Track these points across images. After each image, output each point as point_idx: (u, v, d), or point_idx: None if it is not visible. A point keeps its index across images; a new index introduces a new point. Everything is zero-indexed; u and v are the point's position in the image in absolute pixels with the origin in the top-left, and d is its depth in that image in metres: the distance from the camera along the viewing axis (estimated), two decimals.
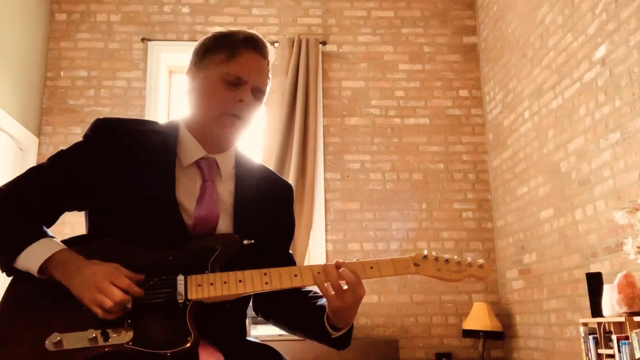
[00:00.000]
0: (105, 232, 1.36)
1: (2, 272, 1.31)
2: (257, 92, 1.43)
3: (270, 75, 1.50)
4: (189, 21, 4.85)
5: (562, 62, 3.56)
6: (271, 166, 4.38)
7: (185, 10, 4.88)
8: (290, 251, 1.60)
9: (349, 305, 1.33)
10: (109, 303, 1.20)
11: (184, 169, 1.42)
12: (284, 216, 1.57)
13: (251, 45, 1.42)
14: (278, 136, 4.49)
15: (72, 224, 3.01)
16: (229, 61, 1.39)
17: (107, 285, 1.22)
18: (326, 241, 4.52)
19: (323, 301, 1.42)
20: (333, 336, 1.41)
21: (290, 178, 4.38)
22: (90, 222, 1.41)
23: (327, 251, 4.49)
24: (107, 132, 1.41)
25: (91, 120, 1.46)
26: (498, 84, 4.55)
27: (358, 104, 4.80)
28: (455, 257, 1.43)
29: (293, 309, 1.50)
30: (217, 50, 1.41)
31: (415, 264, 1.41)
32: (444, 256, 1.42)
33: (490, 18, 4.72)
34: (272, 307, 1.53)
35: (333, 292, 1.31)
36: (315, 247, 4.49)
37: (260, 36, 1.47)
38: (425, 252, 1.42)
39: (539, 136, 3.85)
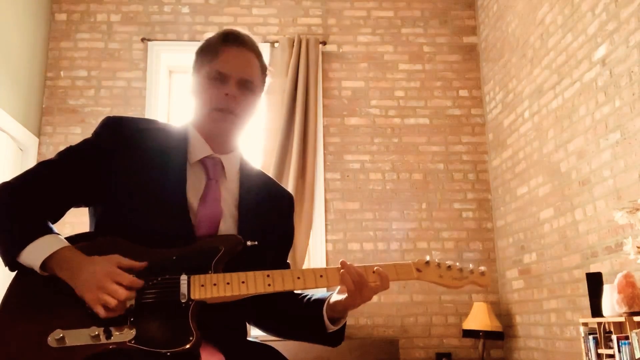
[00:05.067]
0: (110, 229, 1.36)
1: (6, 266, 1.31)
2: (244, 84, 1.44)
3: (263, 65, 1.52)
4: (189, 21, 4.85)
5: (562, 62, 3.56)
6: (271, 166, 4.38)
7: (185, 10, 4.88)
8: (288, 261, 1.60)
9: (365, 297, 1.37)
10: (112, 302, 1.21)
11: (191, 166, 1.44)
12: (284, 225, 1.58)
13: (230, 40, 1.45)
14: (278, 136, 4.49)
15: (72, 224, 2.98)
16: (212, 60, 1.44)
17: (109, 284, 1.22)
18: (326, 241, 4.52)
19: (316, 296, 1.48)
20: (330, 330, 1.44)
21: (290, 178, 4.38)
22: (96, 219, 1.42)
23: (327, 251, 4.49)
24: (116, 130, 1.42)
25: (91, 120, 1.47)
26: (498, 84, 4.55)
27: (358, 104, 4.80)
28: (457, 264, 1.46)
29: (286, 309, 1.51)
30: (205, 53, 1.47)
31: (418, 270, 1.43)
32: (446, 263, 1.45)
33: (490, 18, 4.73)
34: (264, 310, 1.52)
35: (353, 288, 1.35)
36: (315, 247, 4.49)
37: (242, 31, 1.50)
38: (428, 258, 1.44)
39: (539, 136, 3.85)
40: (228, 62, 1.43)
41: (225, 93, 1.41)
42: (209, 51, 1.46)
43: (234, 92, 1.42)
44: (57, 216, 1.40)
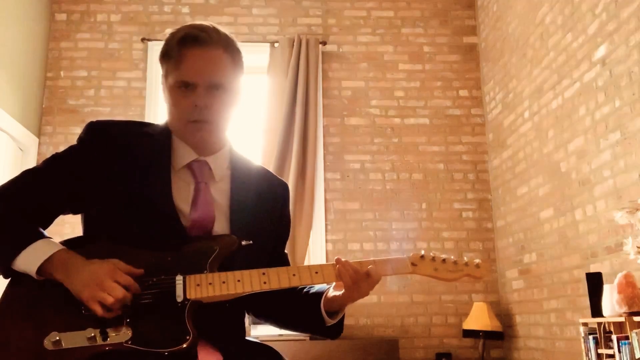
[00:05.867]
0: (101, 234, 1.36)
1: (0, 274, 1.31)
2: (214, 88, 1.36)
3: (235, 55, 1.40)
4: (189, 21, 4.79)
5: (562, 62, 3.56)
6: (271, 166, 4.38)
7: (185, 10, 4.88)
8: (285, 251, 1.60)
9: (363, 292, 1.38)
10: (109, 299, 1.21)
11: (177, 171, 1.42)
12: (280, 216, 1.57)
13: (189, 43, 1.35)
14: (278, 136, 4.49)
15: (72, 224, 3.03)
16: (175, 68, 1.36)
17: (108, 282, 1.22)
18: (326, 241, 4.52)
19: (314, 289, 1.48)
20: (328, 324, 1.44)
21: (290, 178, 4.38)
22: (87, 225, 1.41)
23: (327, 251, 4.49)
24: (100, 135, 1.40)
25: (91, 120, 1.46)
26: (498, 84, 4.55)
27: (358, 104, 4.80)
28: (452, 257, 1.46)
29: (285, 302, 1.51)
30: (166, 59, 1.39)
31: (413, 264, 1.43)
32: (441, 256, 1.45)
33: (490, 18, 4.72)
34: (263, 303, 1.52)
35: (351, 284, 1.36)
36: (315, 247, 4.49)
37: (207, 25, 1.39)
38: (423, 252, 1.45)
39: (539, 136, 3.85)
40: (192, 68, 1.34)
41: (194, 104, 1.35)
42: (170, 58, 1.37)
43: (204, 101, 1.35)
44: (45, 224, 1.39)
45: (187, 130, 1.40)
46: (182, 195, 1.40)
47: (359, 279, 1.36)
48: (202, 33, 1.36)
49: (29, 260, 1.26)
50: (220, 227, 1.41)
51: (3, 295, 1.29)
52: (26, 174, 1.39)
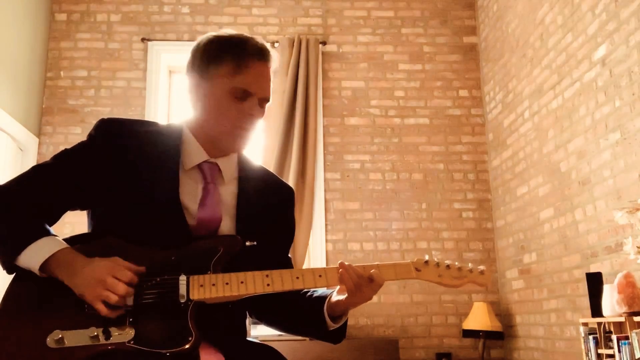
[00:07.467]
0: (107, 231, 1.36)
1: (4, 269, 1.32)
2: (264, 102, 1.43)
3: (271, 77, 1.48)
4: (189, 21, 4.85)
5: (562, 62, 3.56)
6: (271, 166, 4.38)
7: (185, 10, 4.88)
8: (289, 255, 1.60)
9: (366, 296, 1.38)
10: (113, 297, 1.21)
11: (187, 171, 1.43)
12: (285, 220, 1.58)
13: (256, 55, 1.40)
14: (278, 136, 4.49)
15: (72, 224, 3.01)
16: (237, 73, 1.38)
17: (110, 280, 1.22)
18: (326, 241, 4.52)
19: (318, 293, 1.48)
20: (331, 328, 1.44)
21: (290, 178, 4.38)
22: (93, 221, 1.41)
23: (327, 251, 4.49)
24: (111, 132, 1.41)
25: (91, 120, 1.47)
26: (498, 84, 4.55)
27: (358, 104, 4.80)
28: (457, 263, 1.45)
29: (287, 305, 1.51)
30: (222, 60, 1.39)
31: (417, 269, 1.43)
32: (445, 262, 1.44)
33: (490, 18, 4.72)
34: (266, 305, 1.52)
35: (353, 288, 1.36)
36: (315, 247, 4.49)
37: (263, 40, 1.46)
38: (427, 258, 1.44)
39: (539, 136, 3.85)
40: (255, 80, 1.39)
41: (249, 113, 1.39)
42: (229, 60, 1.38)
43: (258, 113, 1.41)
44: (53, 220, 1.39)
45: (231, 135, 1.41)
46: (190, 194, 1.40)
47: (361, 284, 1.35)
48: (265, 49, 1.43)
49: (32, 257, 1.26)
50: (226, 227, 1.42)
51: (7, 291, 1.29)
52: (35, 169, 1.39)
